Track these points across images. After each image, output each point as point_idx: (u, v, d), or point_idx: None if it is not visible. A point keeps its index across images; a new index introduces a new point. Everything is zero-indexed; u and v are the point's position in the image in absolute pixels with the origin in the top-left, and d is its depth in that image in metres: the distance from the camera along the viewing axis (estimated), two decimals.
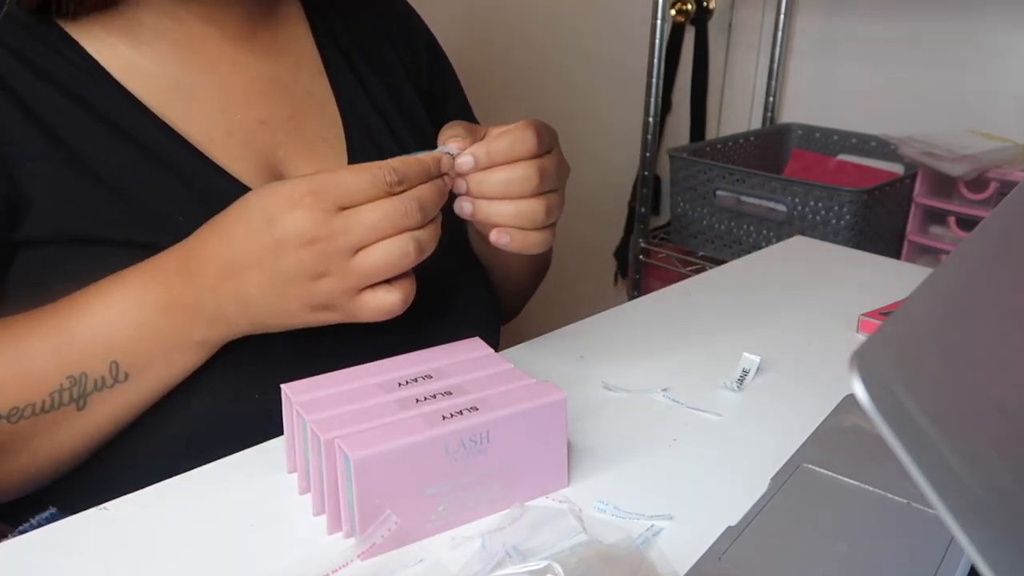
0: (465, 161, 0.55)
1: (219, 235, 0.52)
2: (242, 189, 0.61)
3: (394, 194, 0.50)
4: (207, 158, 0.61)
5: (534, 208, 0.56)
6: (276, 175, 0.64)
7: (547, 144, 0.57)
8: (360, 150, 0.69)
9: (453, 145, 0.55)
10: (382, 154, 0.70)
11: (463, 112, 0.84)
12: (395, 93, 0.74)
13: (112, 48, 0.61)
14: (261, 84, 0.66)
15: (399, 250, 0.50)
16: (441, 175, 0.54)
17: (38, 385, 0.52)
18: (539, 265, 0.82)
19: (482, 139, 0.56)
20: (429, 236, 0.52)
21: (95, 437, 0.55)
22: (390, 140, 0.71)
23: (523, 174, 0.55)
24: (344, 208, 0.49)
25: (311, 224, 0.49)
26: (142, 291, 0.53)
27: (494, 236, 0.56)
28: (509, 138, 0.55)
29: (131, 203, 0.57)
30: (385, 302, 0.51)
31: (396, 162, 0.51)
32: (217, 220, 0.53)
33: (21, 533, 0.57)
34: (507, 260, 0.74)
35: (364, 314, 0.52)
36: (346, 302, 0.51)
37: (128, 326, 0.52)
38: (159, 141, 0.60)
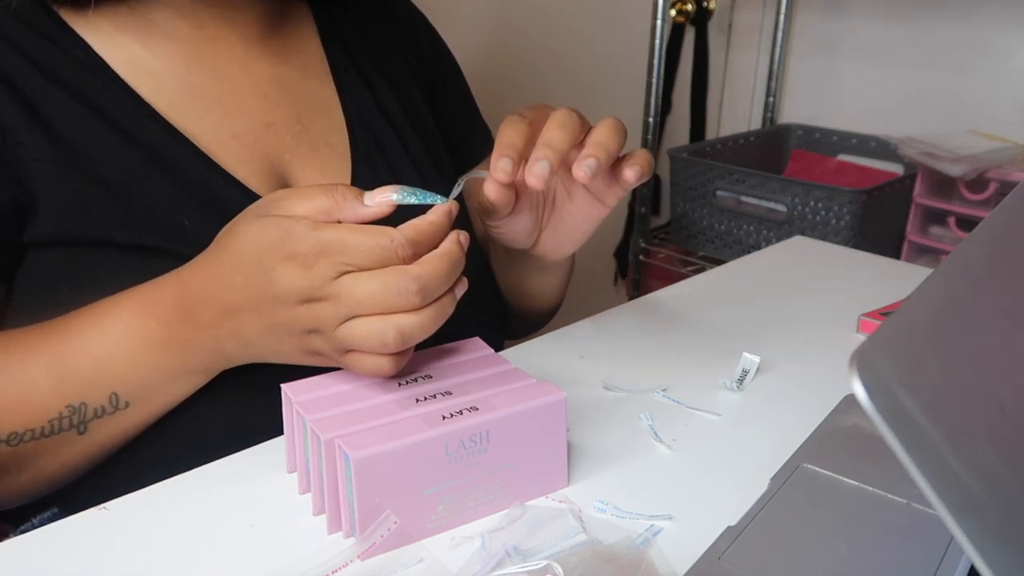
0: (541, 171, 0.52)
1: (217, 280, 0.51)
2: (246, 193, 0.60)
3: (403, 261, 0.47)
4: (212, 161, 0.60)
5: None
6: (281, 178, 0.64)
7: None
8: (364, 156, 0.68)
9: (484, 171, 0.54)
10: (387, 159, 0.70)
11: (466, 106, 0.84)
12: (403, 95, 0.74)
13: (121, 46, 0.60)
14: (268, 87, 0.66)
15: (378, 335, 0.47)
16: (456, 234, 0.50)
17: (38, 412, 0.52)
18: (569, 272, 0.81)
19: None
20: (419, 322, 0.47)
21: (97, 456, 0.55)
22: (396, 143, 0.71)
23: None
24: (346, 272, 0.47)
25: (308, 285, 0.47)
26: (140, 326, 0.52)
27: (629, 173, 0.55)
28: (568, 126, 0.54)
29: (134, 206, 0.57)
30: (371, 366, 0.49)
31: (411, 231, 0.47)
32: (212, 261, 0.51)
33: (23, 532, 0.57)
34: (542, 276, 0.74)
35: (355, 369, 0.50)
36: (338, 357, 0.50)
37: (129, 361, 0.52)
38: (164, 143, 0.59)
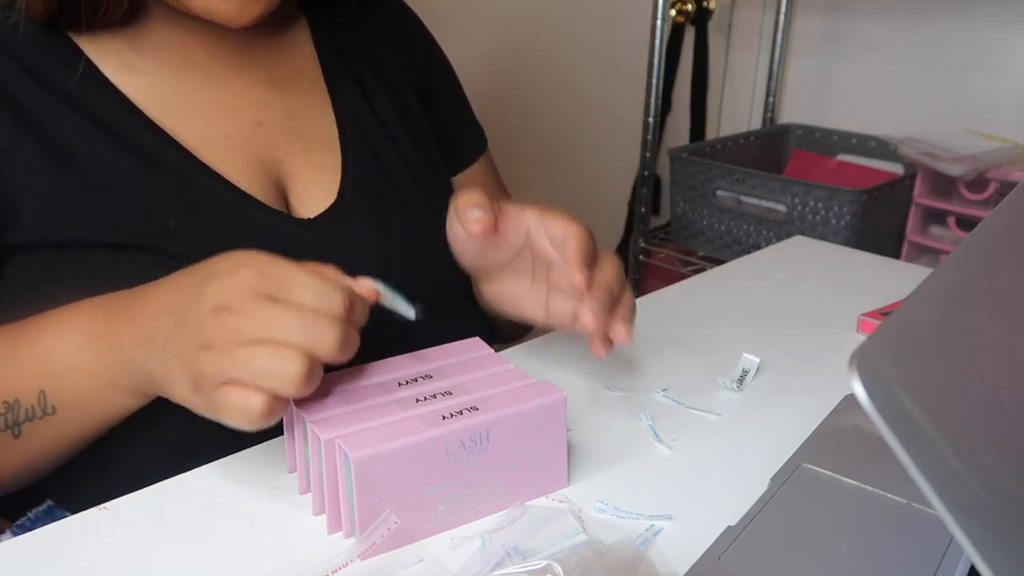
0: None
1: (175, 280, 0.49)
2: (239, 194, 0.61)
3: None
4: (200, 162, 0.60)
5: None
6: (273, 176, 0.64)
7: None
8: (355, 155, 0.68)
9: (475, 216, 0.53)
10: (377, 159, 0.70)
11: (459, 107, 0.84)
12: (396, 96, 0.74)
13: (112, 50, 0.61)
14: (260, 88, 0.66)
15: (282, 368, 0.42)
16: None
17: None
18: None
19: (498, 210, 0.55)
20: (332, 344, 0.44)
21: (36, 463, 0.54)
22: (388, 144, 0.71)
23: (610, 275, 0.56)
24: (277, 301, 0.44)
25: (232, 296, 0.45)
26: (87, 320, 0.52)
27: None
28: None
29: (123, 208, 0.57)
30: (243, 405, 0.43)
31: (351, 293, 0.46)
32: (179, 273, 0.50)
33: (19, 527, 0.57)
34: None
35: (222, 410, 0.44)
36: (211, 388, 0.44)
37: (60, 356, 0.52)
38: (153, 145, 0.59)
